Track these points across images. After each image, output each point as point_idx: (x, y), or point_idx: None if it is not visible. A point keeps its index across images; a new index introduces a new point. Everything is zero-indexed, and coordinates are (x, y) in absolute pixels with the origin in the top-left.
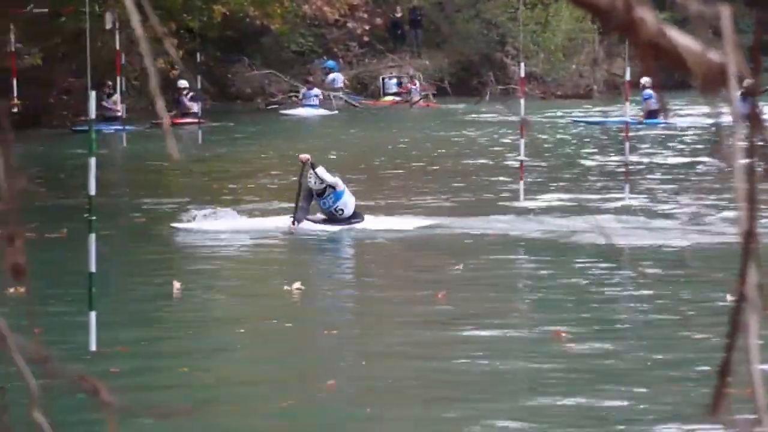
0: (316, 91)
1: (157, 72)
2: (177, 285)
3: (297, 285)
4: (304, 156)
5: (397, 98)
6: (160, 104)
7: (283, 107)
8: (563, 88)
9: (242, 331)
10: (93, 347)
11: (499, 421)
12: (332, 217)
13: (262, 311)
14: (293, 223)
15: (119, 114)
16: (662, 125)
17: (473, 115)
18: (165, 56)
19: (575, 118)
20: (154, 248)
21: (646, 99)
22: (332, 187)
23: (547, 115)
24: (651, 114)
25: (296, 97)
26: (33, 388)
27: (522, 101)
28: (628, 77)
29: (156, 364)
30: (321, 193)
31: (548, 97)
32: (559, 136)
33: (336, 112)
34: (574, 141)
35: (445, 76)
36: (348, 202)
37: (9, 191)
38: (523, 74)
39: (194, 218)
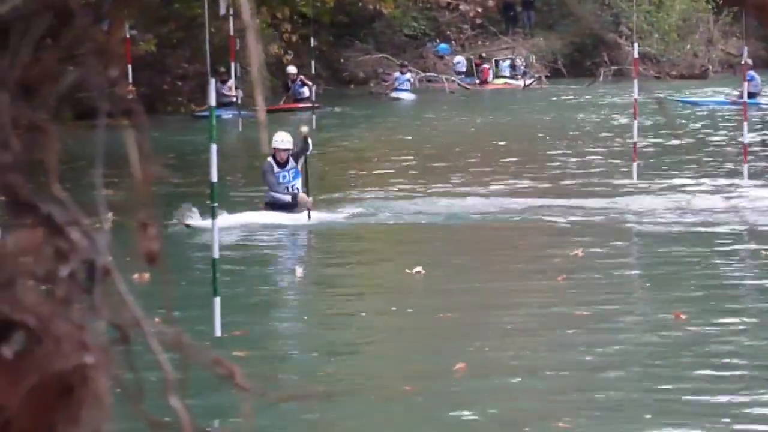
0: (408, 75)
1: (259, 61)
2: (300, 271)
3: (418, 269)
4: (305, 129)
5: (510, 81)
6: (260, 96)
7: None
8: (678, 68)
9: (363, 314)
10: (218, 332)
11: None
12: (278, 201)
13: (387, 295)
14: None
15: (234, 99)
16: (762, 106)
17: (587, 97)
18: (279, 41)
19: (673, 98)
20: (273, 235)
21: (749, 80)
22: (296, 158)
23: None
24: (751, 96)
25: (385, 82)
26: (169, 374)
27: (636, 82)
28: (746, 57)
29: (280, 351)
30: (285, 163)
31: (663, 78)
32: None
33: (414, 96)
34: (683, 121)
35: (559, 57)
36: (301, 185)
37: (144, 178)
38: (636, 55)
39: (188, 217)
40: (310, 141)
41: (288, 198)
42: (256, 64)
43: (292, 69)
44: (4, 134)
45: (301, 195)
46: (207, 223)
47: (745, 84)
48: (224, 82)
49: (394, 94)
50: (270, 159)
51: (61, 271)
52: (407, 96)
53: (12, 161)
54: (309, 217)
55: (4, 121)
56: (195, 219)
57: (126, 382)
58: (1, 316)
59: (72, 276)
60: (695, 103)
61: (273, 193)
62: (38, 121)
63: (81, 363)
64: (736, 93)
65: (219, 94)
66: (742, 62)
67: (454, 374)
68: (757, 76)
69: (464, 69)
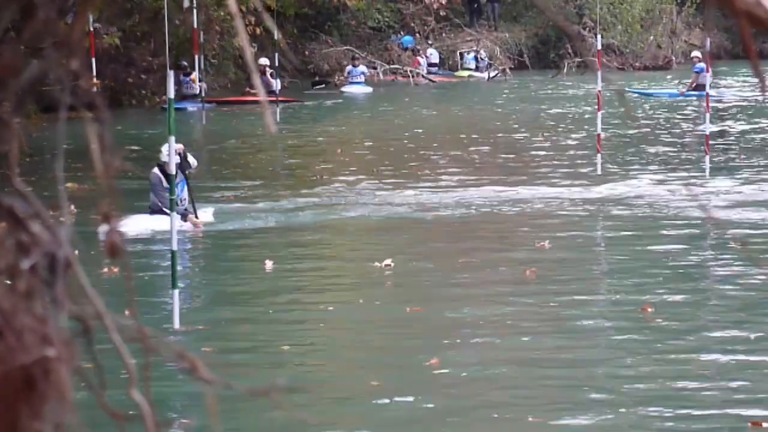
0: (361, 68)
1: (250, 47)
2: (269, 264)
3: (387, 262)
4: (180, 146)
5: (475, 73)
6: (257, 80)
7: (330, 86)
8: (641, 60)
9: (331, 308)
10: (177, 325)
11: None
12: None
13: (354, 288)
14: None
15: (198, 92)
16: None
17: (551, 88)
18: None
19: (628, 90)
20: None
21: (697, 72)
22: (182, 170)
23: (617, 86)
24: (699, 87)
25: (341, 76)
26: (131, 367)
27: (599, 73)
28: (698, 51)
29: (244, 345)
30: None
31: (626, 69)
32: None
33: (369, 90)
34: (643, 113)
35: (523, 49)
36: (187, 194)
37: (106, 170)
38: (600, 46)
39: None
40: (190, 158)
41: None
42: (248, 49)
43: (264, 61)
44: None
45: (191, 218)
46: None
47: (707, 76)
48: (187, 74)
49: (345, 89)
50: (157, 171)
51: (23, 264)
52: (361, 89)
53: None
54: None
55: None
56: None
57: (89, 375)
58: None
59: (34, 269)
60: (649, 95)
61: (161, 206)
62: (0, 113)
63: (43, 356)
64: (684, 85)
65: (182, 86)
66: (692, 54)
67: (424, 369)
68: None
69: (436, 60)
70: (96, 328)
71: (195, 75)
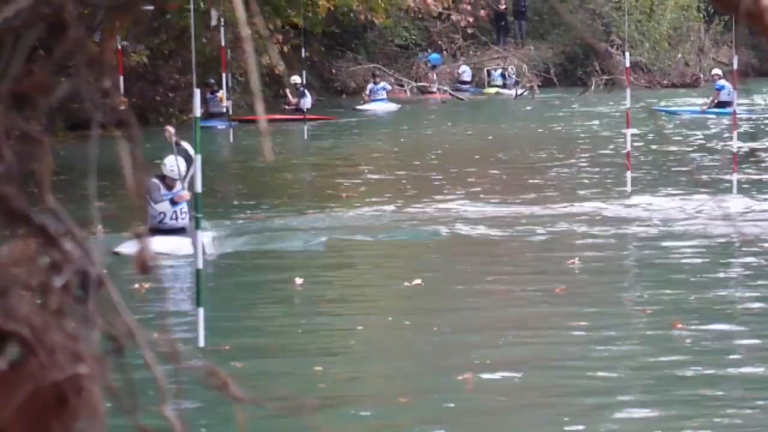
0: (382, 84)
1: (257, 70)
2: (299, 281)
3: (417, 281)
4: (170, 128)
5: (502, 90)
6: (260, 104)
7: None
8: (669, 78)
9: (360, 327)
10: (201, 343)
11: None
12: (164, 227)
13: (383, 306)
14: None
15: (225, 110)
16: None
17: (579, 106)
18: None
19: (656, 108)
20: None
21: (718, 89)
22: (183, 183)
23: (645, 104)
24: (720, 104)
25: (364, 94)
26: (162, 383)
27: (628, 91)
28: (735, 66)
29: (273, 363)
30: (172, 186)
31: (654, 87)
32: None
33: (394, 107)
34: (672, 130)
35: (550, 66)
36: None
37: (137, 188)
38: (628, 64)
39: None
40: (187, 146)
41: (178, 225)
42: (253, 72)
43: (296, 79)
44: None
45: (205, 240)
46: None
47: (732, 93)
48: (214, 92)
49: (364, 106)
50: (156, 179)
51: (55, 282)
52: (384, 107)
53: (5, 172)
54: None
55: None
56: (126, 247)
57: (120, 392)
58: None
59: (66, 287)
60: (673, 113)
61: (159, 220)
62: (31, 131)
63: (75, 373)
64: (706, 102)
65: (209, 104)
66: (712, 72)
67: (453, 385)
68: (727, 85)
69: (468, 78)
70: (127, 346)
71: (222, 93)
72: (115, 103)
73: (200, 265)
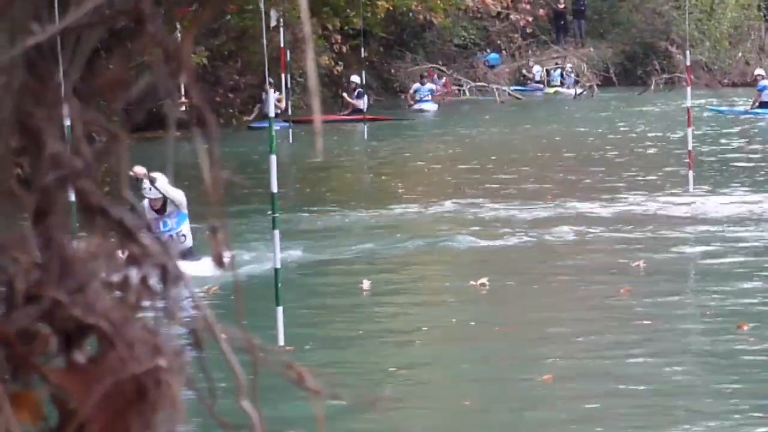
0: (429, 86)
1: (316, 69)
2: (366, 284)
3: (483, 281)
4: (140, 170)
5: (561, 89)
6: (316, 102)
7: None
8: (729, 77)
9: (425, 328)
10: (281, 342)
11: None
12: None
13: (448, 306)
14: None
15: (282, 110)
16: None
17: (635, 105)
18: (329, 53)
19: (711, 107)
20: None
21: (760, 90)
22: (174, 204)
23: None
24: (763, 104)
25: (409, 95)
26: (240, 377)
27: (688, 90)
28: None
29: (341, 361)
30: (160, 209)
31: (714, 86)
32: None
33: (436, 107)
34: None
35: (610, 65)
36: (189, 230)
37: (213, 184)
38: (688, 63)
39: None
40: (165, 187)
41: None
42: (312, 72)
43: (355, 79)
44: (75, 141)
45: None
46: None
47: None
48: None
49: (416, 106)
50: (145, 203)
51: (133, 276)
52: (429, 107)
53: (83, 167)
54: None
55: (76, 128)
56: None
57: (199, 386)
58: (74, 321)
59: (144, 281)
60: (722, 112)
61: None
62: (109, 127)
63: (155, 366)
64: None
65: (264, 105)
66: (756, 72)
67: (518, 386)
68: None
69: (540, 78)
70: (205, 339)
71: (281, 95)
72: (176, 105)
73: (278, 265)
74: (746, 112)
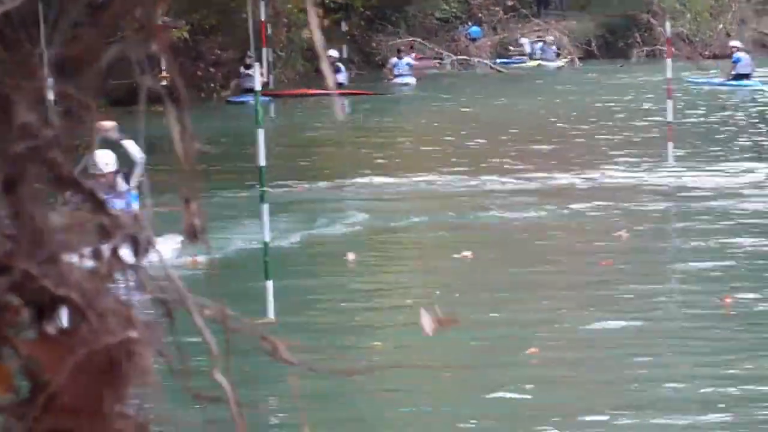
0: (406, 59)
1: (322, 40)
2: (351, 256)
3: (466, 253)
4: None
5: (543, 62)
6: (326, 64)
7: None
8: (710, 48)
9: (408, 301)
10: (271, 315)
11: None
12: None
13: (432, 280)
14: None
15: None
16: (750, 87)
17: (616, 78)
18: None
19: (688, 79)
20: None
21: (735, 62)
22: (128, 179)
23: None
24: (738, 77)
25: (388, 69)
26: (213, 348)
27: (668, 62)
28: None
29: (323, 332)
30: (113, 187)
31: (695, 58)
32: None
33: (414, 81)
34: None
35: (592, 38)
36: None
37: (186, 154)
38: (669, 35)
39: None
40: (129, 146)
41: None
42: (319, 38)
43: (333, 53)
44: (45, 111)
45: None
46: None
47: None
48: (248, 67)
49: (396, 81)
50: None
51: (105, 247)
52: (409, 80)
53: (53, 138)
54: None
55: (46, 98)
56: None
57: (171, 357)
58: (45, 293)
59: (115, 252)
60: (698, 83)
61: None
62: (80, 97)
63: (126, 338)
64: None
65: (242, 79)
66: (730, 44)
67: (502, 360)
68: (744, 57)
69: (529, 50)
70: (178, 311)
71: (262, 68)
72: (151, 75)
73: (267, 238)
74: (722, 83)
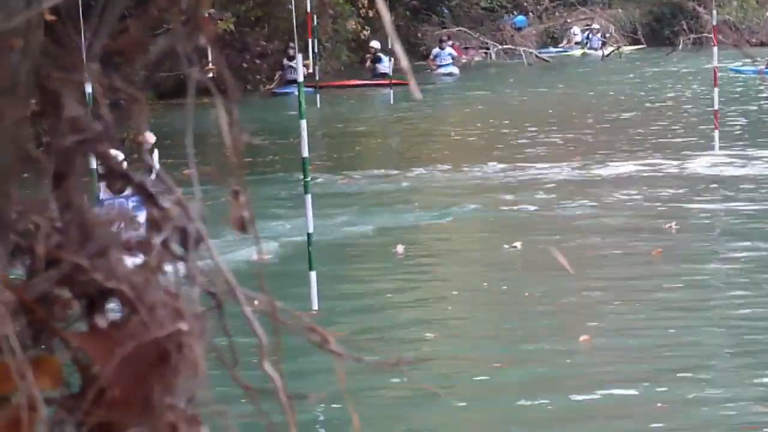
0: (448, 49)
1: (394, 31)
2: (400, 248)
3: (516, 244)
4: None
5: (589, 51)
6: (399, 47)
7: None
8: (757, 36)
9: (455, 292)
10: (315, 306)
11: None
12: None
13: (480, 270)
14: None
15: (307, 76)
16: None
17: (662, 66)
18: (356, 17)
19: (731, 68)
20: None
21: None
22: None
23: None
24: None
25: (430, 59)
26: (262, 340)
27: (715, 50)
28: None
29: (371, 325)
30: (121, 189)
31: (742, 46)
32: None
33: (455, 71)
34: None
35: (638, 26)
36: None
37: (234, 145)
38: (715, 22)
39: None
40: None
41: None
42: (393, 34)
43: (375, 44)
44: (95, 104)
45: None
46: None
47: None
48: (290, 59)
49: (439, 71)
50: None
51: (155, 240)
52: (452, 71)
53: (104, 131)
54: None
55: (96, 91)
56: None
57: (221, 349)
58: (95, 285)
59: (165, 244)
60: (740, 72)
61: None
62: (128, 89)
63: (176, 330)
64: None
65: (285, 71)
66: None
67: (548, 348)
68: None
69: (580, 39)
70: (227, 303)
71: (307, 60)
72: (199, 68)
73: (311, 230)
74: (760, 73)
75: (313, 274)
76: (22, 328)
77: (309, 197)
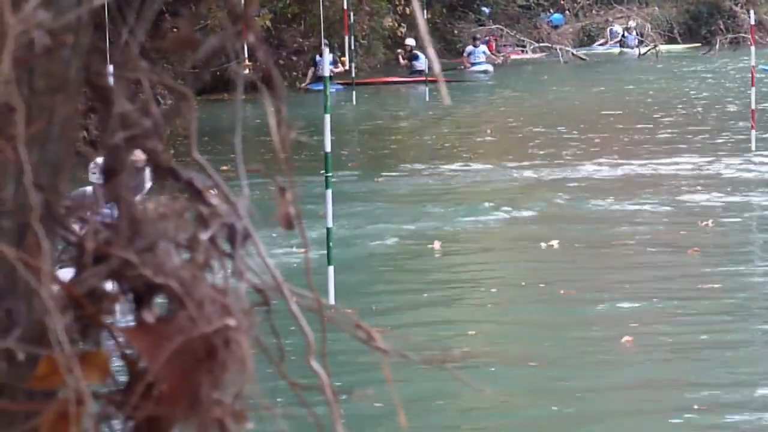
0: (481, 47)
1: (425, 25)
2: (437, 244)
3: (553, 243)
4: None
5: (625, 49)
6: (430, 48)
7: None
8: None
9: (494, 290)
10: (332, 301)
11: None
12: None
13: (516, 268)
14: None
15: (344, 72)
16: None
17: (699, 65)
18: (393, 15)
19: (762, 66)
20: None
21: None
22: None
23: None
24: None
25: (464, 57)
26: (309, 336)
27: (752, 49)
28: None
29: (407, 321)
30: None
31: None
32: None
33: (489, 68)
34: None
35: (674, 25)
36: None
37: (282, 143)
38: (753, 22)
39: None
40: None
41: None
42: (424, 29)
43: (410, 41)
44: (144, 101)
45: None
46: None
47: None
48: (322, 54)
49: (474, 68)
50: (89, 189)
51: (202, 236)
52: (487, 68)
53: (152, 127)
54: None
55: (145, 88)
56: None
57: (268, 345)
58: (144, 281)
59: (213, 240)
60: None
61: None
62: (178, 87)
63: (224, 325)
64: None
65: (318, 67)
66: None
67: (587, 347)
68: None
69: (618, 37)
70: (274, 299)
71: (344, 57)
72: (243, 65)
73: (330, 224)
74: None
75: (330, 269)
76: (70, 323)
77: (329, 192)
